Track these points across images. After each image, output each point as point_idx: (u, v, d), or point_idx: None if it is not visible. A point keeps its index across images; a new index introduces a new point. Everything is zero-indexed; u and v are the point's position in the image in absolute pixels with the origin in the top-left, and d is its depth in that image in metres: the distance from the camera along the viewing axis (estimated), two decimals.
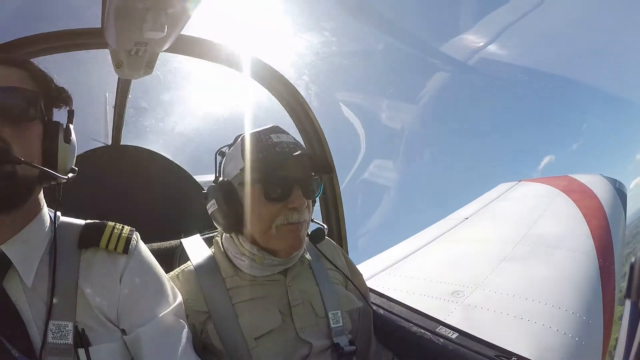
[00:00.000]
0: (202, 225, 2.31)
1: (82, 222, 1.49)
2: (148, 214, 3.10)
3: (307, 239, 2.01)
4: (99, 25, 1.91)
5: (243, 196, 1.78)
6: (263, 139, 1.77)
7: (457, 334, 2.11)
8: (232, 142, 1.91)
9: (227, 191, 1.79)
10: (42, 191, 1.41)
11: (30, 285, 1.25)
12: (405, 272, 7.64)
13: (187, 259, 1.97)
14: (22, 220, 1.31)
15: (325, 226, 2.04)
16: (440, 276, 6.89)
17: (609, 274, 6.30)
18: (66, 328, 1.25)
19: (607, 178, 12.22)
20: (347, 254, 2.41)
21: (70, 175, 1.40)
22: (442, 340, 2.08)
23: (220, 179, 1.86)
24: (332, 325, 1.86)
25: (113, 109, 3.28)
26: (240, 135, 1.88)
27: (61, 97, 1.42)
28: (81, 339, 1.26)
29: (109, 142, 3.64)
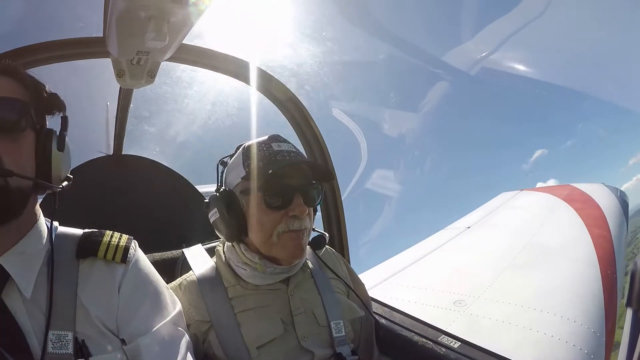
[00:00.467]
0: (204, 235, 2.31)
1: (79, 231, 1.49)
2: (149, 223, 3.10)
3: (309, 247, 2.02)
4: (101, 34, 1.91)
5: (244, 205, 1.79)
6: (264, 147, 1.79)
7: (460, 344, 2.10)
8: (234, 152, 1.92)
9: (229, 200, 1.80)
10: (38, 201, 1.40)
11: (29, 297, 1.24)
12: (407, 281, 7.62)
13: (189, 268, 1.97)
14: (19, 232, 1.31)
15: (327, 234, 2.04)
16: (442, 285, 6.87)
17: (611, 283, 6.28)
18: (66, 338, 1.24)
19: (609, 187, 12.20)
20: (349, 263, 2.40)
21: (65, 183, 1.39)
22: (444, 350, 2.07)
23: (222, 188, 1.86)
24: (335, 335, 1.85)
25: (114, 119, 3.28)
26: (241, 144, 1.90)
27: (54, 104, 1.41)
28: (81, 350, 1.25)
29: (111, 152, 3.64)
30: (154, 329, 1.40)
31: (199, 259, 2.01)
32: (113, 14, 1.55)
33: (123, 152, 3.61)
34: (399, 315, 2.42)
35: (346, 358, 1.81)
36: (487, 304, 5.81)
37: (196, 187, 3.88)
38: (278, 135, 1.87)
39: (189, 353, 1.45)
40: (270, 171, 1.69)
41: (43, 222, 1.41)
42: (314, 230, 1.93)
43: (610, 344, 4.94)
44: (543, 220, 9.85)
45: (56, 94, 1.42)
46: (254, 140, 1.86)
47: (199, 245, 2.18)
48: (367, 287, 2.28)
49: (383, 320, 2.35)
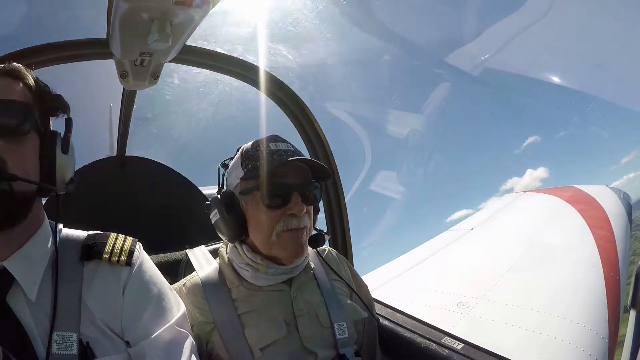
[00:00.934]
0: (207, 236, 2.30)
1: (84, 233, 1.48)
2: (153, 225, 3.10)
3: (312, 249, 2.02)
4: (104, 36, 1.92)
5: (244, 205, 1.80)
6: (261, 147, 1.80)
7: (463, 345, 2.10)
8: (235, 154, 1.93)
9: (229, 201, 1.81)
10: (42, 204, 1.40)
11: (34, 299, 1.24)
12: (410, 282, 7.62)
13: (192, 269, 1.97)
14: (23, 235, 1.30)
15: (327, 233, 2.04)
16: (445, 287, 6.88)
17: (614, 285, 6.27)
18: (70, 339, 1.23)
19: (613, 189, 12.19)
20: (352, 265, 2.40)
21: (69, 187, 1.39)
22: (447, 351, 2.06)
23: (223, 189, 1.87)
24: (338, 337, 1.85)
25: (118, 120, 3.28)
26: (241, 146, 1.90)
27: (58, 106, 1.41)
28: (86, 352, 1.24)
29: (114, 153, 3.64)
30: (158, 332, 1.39)
31: (203, 260, 2.01)
32: (116, 15, 1.55)
33: (127, 154, 3.61)
34: (402, 316, 2.41)
35: (350, 359, 1.81)
36: (490, 306, 5.81)
37: (200, 188, 3.88)
38: (276, 136, 1.88)
39: (193, 355, 1.45)
40: (265, 170, 1.70)
41: (47, 224, 1.40)
42: (315, 230, 1.93)
43: (614, 346, 4.93)
44: (546, 222, 9.85)
45: (60, 95, 1.41)
46: (252, 141, 1.88)
47: (203, 246, 2.19)
48: (370, 288, 2.28)
49: (386, 322, 2.35)
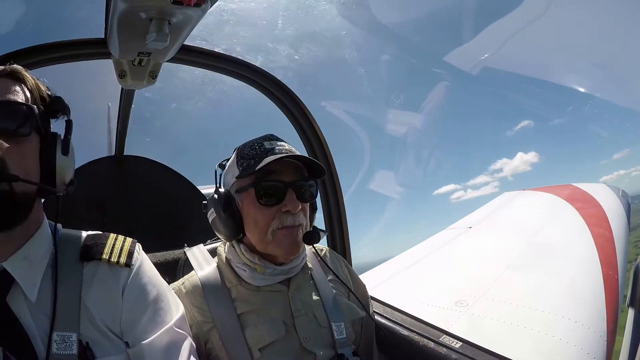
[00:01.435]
0: (206, 236, 2.31)
1: (83, 234, 1.48)
2: (151, 223, 3.11)
3: (309, 249, 2.03)
4: (102, 36, 1.92)
5: (240, 203, 1.82)
6: (256, 146, 1.83)
7: (461, 344, 2.10)
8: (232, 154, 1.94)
9: (225, 199, 1.82)
10: (42, 204, 1.40)
11: (34, 300, 1.24)
12: (408, 281, 7.62)
13: (190, 268, 1.98)
14: (23, 236, 1.30)
15: (323, 230, 2.05)
16: (443, 285, 6.88)
17: (612, 283, 6.27)
18: (70, 339, 1.23)
19: (611, 187, 12.18)
20: (350, 264, 2.40)
21: (69, 188, 1.40)
22: (445, 350, 2.07)
23: (221, 189, 1.87)
24: (337, 337, 1.86)
25: (116, 120, 3.28)
26: (237, 147, 1.90)
27: (58, 107, 1.40)
28: (86, 352, 1.24)
29: (112, 153, 3.65)
30: (157, 333, 1.39)
31: (201, 260, 2.02)
32: (114, 15, 1.56)
33: (125, 153, 3.61)
34: (400, 315, 2.42)
35: (348, 359, 1.82)
36: (488, 304, 5.81)
37: (199, 187, 3.88)
38: (272, 135, 1.91)
39: (192, 356, 1.46)
40: (261, 168, 1.71)
41: (47, 224, 1.40)
42: (313, 228, 1.93)
43: (612, 345, 4.94)
44: (544, 220, 9.85)
45: (60, 97, 1.41)
46: (248, 141, 1.90)
47: (201, 245, 2.19)
48: (368, 286, 2.29)
49: (384, 320, 2.36)
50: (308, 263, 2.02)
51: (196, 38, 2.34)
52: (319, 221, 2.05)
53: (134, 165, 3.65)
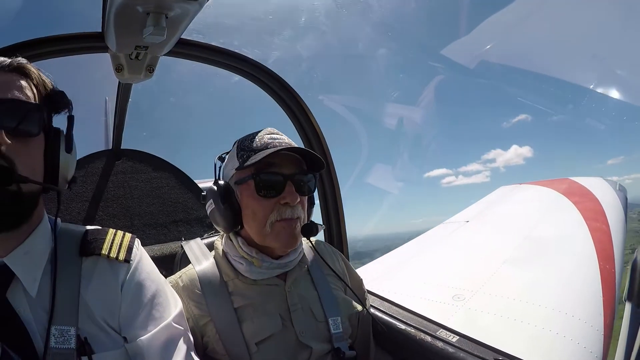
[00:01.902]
0: (203, 229, 2.31)
1: (82, 228, 1.48)
2: (148, 217, 3.11)
3: (306, 243, 2.03)
4: (99, 29, 1.91)
5: (239, 195, 1.82)
6: (256, 139, 1.83)
7: (458, 337, 2.11)
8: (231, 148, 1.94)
9: (224, 191, 1.83)
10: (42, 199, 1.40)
11: (34, 295, 1.24)
12: (405, 275, 7.63)
13: (188, 262, 1.98)
14: (25, 232, 1.30)
15: (322, 224, 2.05)
16: (440, 279, 6.89)
17: (609, 277, 6.28)
18: (69, 333, 1.23)
19: (608, 181, 12.19)
20: (347, 258, 2.41)
21: (71, 185, 1.40)
22: (442, 344, 2.07)
23: (220, 181, 1.87)
24: (333, 332, 1.87)
25: (113, 113, 3.28)
26: (237, 139, 1.90)
27: (62, 103, 1.40)
28: (84, 346, 1.24)
29: (110, 147, 3.64)
30: (156, 329, 1.40)
31: (198, 253, 2.02)
32: (112, 8, 1.55)
33: (122, 147, 3.61)
34: (397, 309, 2.43)
35: (344, 353, 1.82)
36: (485, 298, 5.82)
37: (196, 182, 3.88)
38: (272, 129, 1.91)
39: (190, 352, 1.46)
40: (260, 160, 1.71)
41: (47, 220, 1.40)
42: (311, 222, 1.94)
43: (608, 339, 4.95)
44: (541, 214, 9.85)
45: (63, 92, 1.41)
46: (248, 134, 1.90)
47: (198, 239, 2.19)
48: (365, 280, 2.29)
49: (381, 314, 2.36)
50: (305, 257, 2.02)
51: (193, 32, 2.33)
52: (316, 218, 2.05)
53: (131, 159, 3.65)
